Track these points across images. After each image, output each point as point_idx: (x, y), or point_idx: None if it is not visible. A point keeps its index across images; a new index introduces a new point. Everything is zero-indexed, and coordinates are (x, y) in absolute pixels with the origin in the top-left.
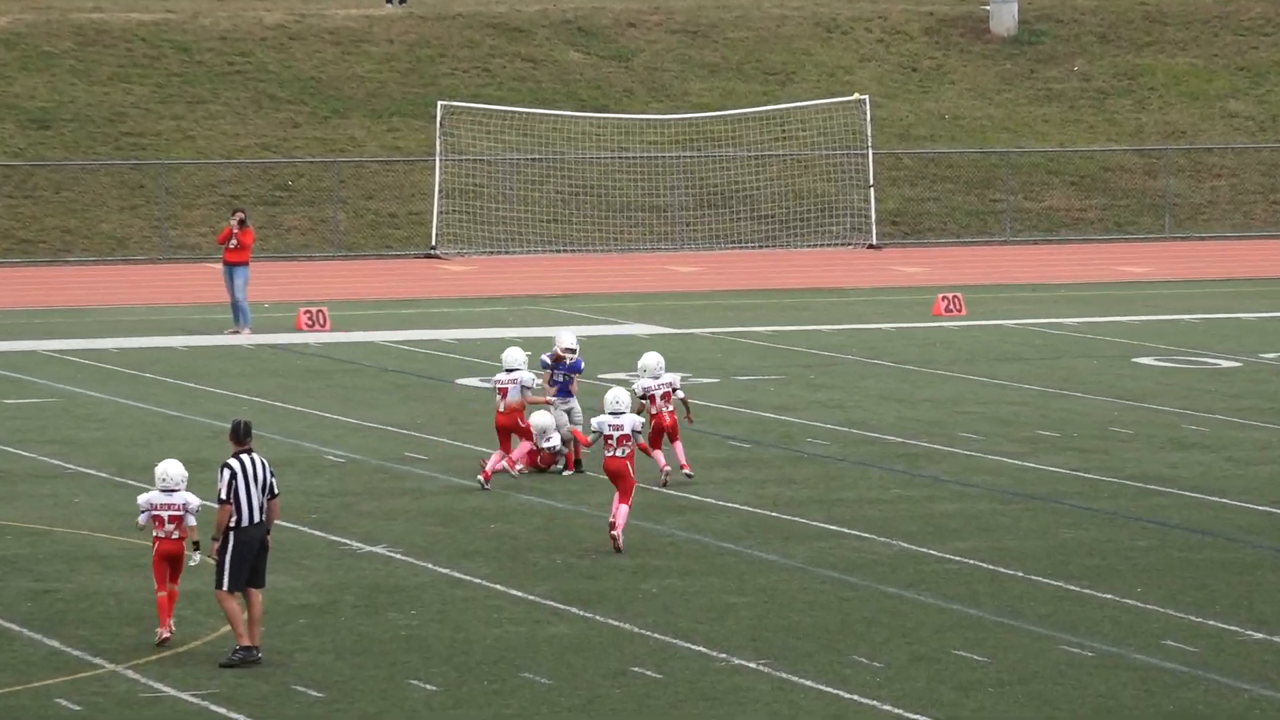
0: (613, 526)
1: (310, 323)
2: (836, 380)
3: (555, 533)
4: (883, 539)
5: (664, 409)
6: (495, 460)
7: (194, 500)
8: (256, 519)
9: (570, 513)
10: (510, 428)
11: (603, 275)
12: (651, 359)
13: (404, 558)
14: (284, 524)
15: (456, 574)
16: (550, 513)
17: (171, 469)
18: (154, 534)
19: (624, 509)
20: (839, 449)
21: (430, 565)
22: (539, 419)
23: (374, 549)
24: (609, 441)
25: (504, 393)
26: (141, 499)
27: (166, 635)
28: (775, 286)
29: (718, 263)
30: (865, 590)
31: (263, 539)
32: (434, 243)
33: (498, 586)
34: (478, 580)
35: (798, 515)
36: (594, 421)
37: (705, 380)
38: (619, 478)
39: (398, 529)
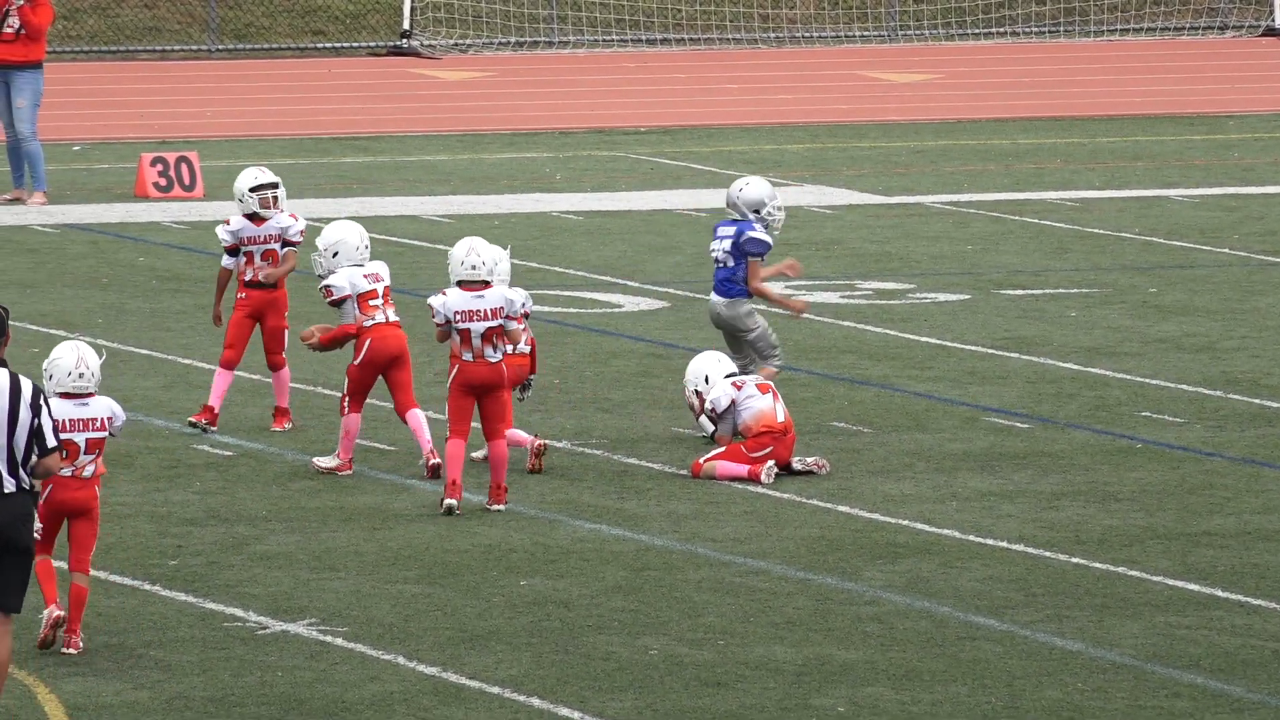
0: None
1: (165, 182)
2: (1201, 299)
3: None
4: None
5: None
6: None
7: None
8: (4, 488)
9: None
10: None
11: (743, 91)
12: None
13: (349, 646)
14: (119, 576)
15: (456, 678)
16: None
17: None
18: None
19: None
20: (1203, 431)
21: (402, 660)
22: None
23: (290, 628)
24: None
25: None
26: None
27: None
28: (1077, 113)
29: (968, 65)
30: None
31: (14, 526)
32: (407, 27)
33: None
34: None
35: (1122, 563)
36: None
37: (938, 296)
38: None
39: (341, 590)
